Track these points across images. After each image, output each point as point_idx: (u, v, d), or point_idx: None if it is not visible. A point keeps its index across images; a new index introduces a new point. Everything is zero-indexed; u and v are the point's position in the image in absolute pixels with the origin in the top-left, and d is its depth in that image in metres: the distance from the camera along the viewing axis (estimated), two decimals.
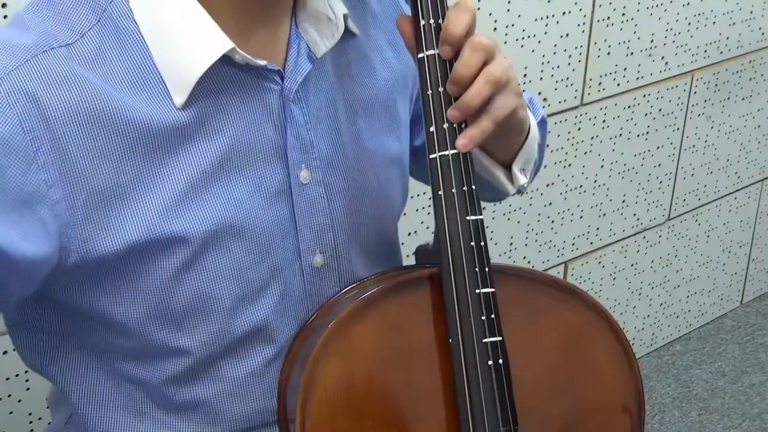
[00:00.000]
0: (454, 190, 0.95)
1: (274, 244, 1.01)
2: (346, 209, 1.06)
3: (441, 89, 0.96)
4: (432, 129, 0.96)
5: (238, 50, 0.94)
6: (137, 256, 0.94)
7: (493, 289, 0.95)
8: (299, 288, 1.05)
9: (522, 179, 1.12)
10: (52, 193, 0.89)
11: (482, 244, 0.95)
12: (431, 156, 0.96)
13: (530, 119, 1.10)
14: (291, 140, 1.01)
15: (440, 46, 0.95)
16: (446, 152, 0.95)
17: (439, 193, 0.95)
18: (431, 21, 0.95)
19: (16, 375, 1.57)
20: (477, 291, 0.95)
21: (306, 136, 1.02)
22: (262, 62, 0.96)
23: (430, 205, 1.99)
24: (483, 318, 0.95)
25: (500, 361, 0.95)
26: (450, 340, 0.95)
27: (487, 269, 0.95)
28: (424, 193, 2.01)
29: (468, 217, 0.95)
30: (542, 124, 1.20)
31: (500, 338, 0.95)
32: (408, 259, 1.06)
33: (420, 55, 0.96)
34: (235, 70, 0.96)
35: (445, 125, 0.95)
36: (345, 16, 1.03)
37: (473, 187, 0.96)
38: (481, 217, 0.96)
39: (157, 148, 0.93)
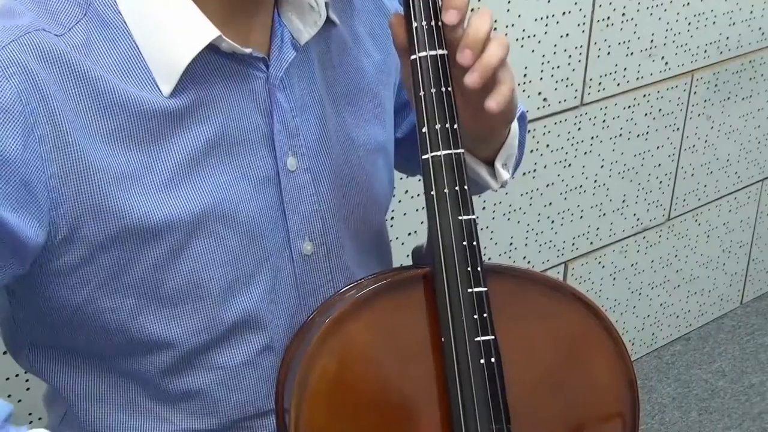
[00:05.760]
0: (446, 191, 0.96)
1: (263, 231, 1.02)
2: (333, 197, 1.07)
3: (433, 90, 0.96)
4: (424, 130, 0.96)
5: (224, 38, 0.95)
6: (126, 241, 0.94)
7: (485, 289, 0.96)
8: (289, 276, 1.06)
9: (505, 175, 1.13)
10: (46, 167, 0.89)
11: (474, 243, 0.96)
12: (424, 156, 0.96)
13: None
14: (277, 127, 1.02)
15: (461, 51, 0.95)
16: (438, 152, 0.96)
17: (432, 193, 0.96)
18: (423, 23, 0.96)
19: (16, 375, 1.58)
20: (469, 290, 0.95)
21: (292, 122, 1.03)
22: (248, 50, 0.98)
23: None
24: (475, 317, 0.95)
25: (492, 359, 0.96)
26: (442, 339, 0.96)
27: (479, 269, 0.96)
28: (424, 192, 2.01)
29: (460, 217, 0.96)
30: (522, 119, 1.21)
31: (492, 337, 0.96)
32: (408, 260, 1.07)
33: (413, 57, 0.97)
34: (221, 59, 0.97)
35: (438, 126, 0.96)
36: (326, 4, 1.04)
37: (465, 187, 0.96)
38: (473, 216, 0.97)
39: (147, 134, 0.94)
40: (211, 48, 0.95)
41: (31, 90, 0.88)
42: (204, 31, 0.94)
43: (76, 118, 0.90)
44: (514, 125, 1.13)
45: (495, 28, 0.97)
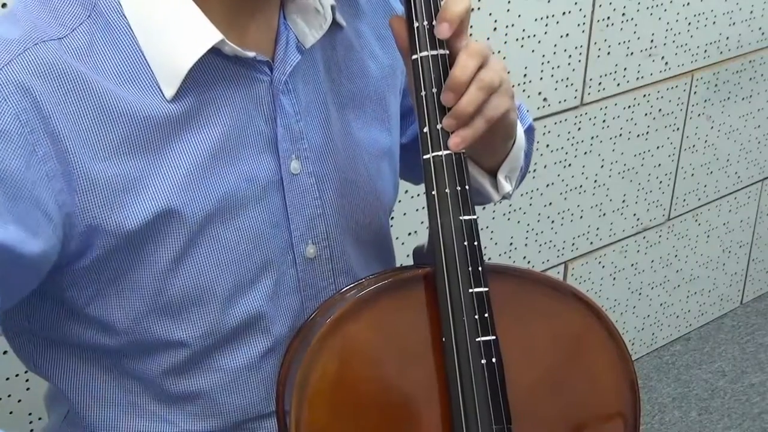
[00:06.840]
0: (447, 191, 0.96)
1: (267, 235, 1.02)
2: (337, 200, 1.07)
3: (434, 90, 0.96)
4: (426, 129, 0.96)
5: (227, 42, 0.95)
6: (133, 247, 0.95)
7: (486, 289, 0.96)
8: (292, 279, 1.06)
9: (507, 187, 1.12)
10: (53, 184, 0.90)
11: (476, 243, 0.96)
12: (425, 156, 0.96)
13: (518, 126, 1.11)
14: (281, 131, 1.02)
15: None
16: (440, 152, 0.96)
17: (433, 193, 0.96)
18: (425, 23, 0.96)
19: (16, 375, 1.58)
20: (470, 290, 0.95)
21: (296, 126, 1.03)
22: (251, 54, 0.97)
23: None
24: (476, 317, 0.95)
25: (493, 360, 0.96)
26: (443, 339, 0.96)
27: (480, 269, 0.96)
28: (425, 192, 2.01)
29: (461, 217, 0.96)
30: (529, 131, 1.20)
31: (494, 337, 0.96)
32: (408, 260, 1.07)
33: (414, 57, 0.96)
34: (225, 62, 0.97)
35: (439, 126, 0.96)
36: (332, 8, 1.04)
37: (467, 187, 0.96)
38: (474, 216, 0.97)
39: (150, 141, 0.94)
40: (214, 51, 0.95)
41: (30, 109, 0.88)
42: (207, 35, 0.94)
43: (77, 133, 0.90)
44: (521, 137, 1.12)
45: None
